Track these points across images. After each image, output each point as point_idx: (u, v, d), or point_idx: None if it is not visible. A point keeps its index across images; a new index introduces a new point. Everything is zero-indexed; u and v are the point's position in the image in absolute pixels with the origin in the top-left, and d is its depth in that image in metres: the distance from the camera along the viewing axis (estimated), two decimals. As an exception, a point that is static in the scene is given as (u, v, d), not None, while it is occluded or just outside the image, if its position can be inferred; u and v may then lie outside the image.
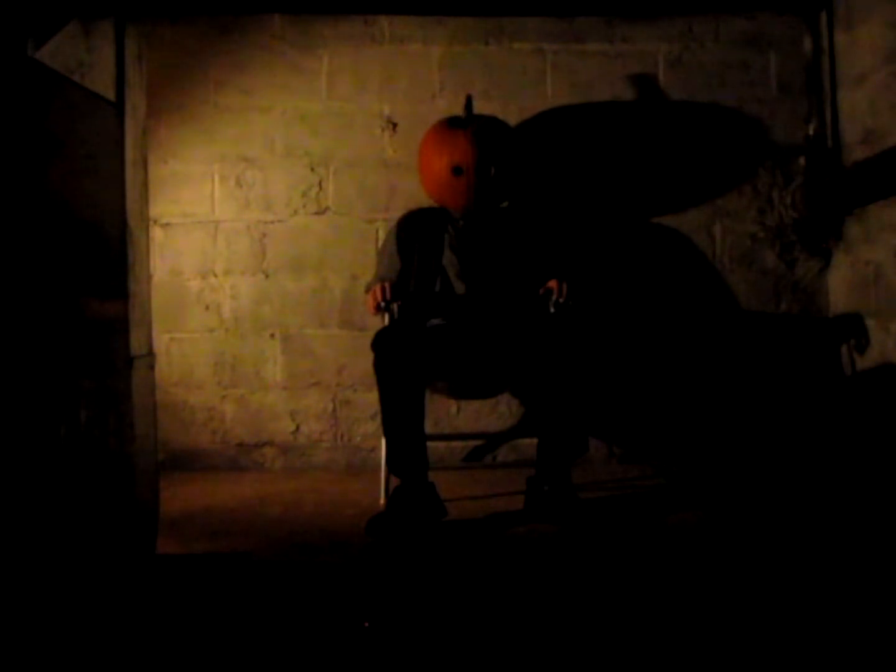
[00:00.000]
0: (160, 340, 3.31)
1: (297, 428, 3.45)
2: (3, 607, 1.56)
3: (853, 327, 3.22)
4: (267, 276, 3.45)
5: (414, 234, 2.93)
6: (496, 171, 2.84)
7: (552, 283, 2.72)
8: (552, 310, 2.71)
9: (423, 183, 2.99)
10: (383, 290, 2.71)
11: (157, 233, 3.40)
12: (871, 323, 3.15)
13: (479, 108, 3.28)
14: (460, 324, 2.83)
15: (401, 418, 2.53)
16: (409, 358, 2.51)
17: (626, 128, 3.45)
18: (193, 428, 3.44)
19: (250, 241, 3.46)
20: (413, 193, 3.22)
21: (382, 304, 2.71)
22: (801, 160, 3.42)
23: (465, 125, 2.87)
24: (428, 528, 2.46)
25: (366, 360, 2.70)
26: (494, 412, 3.45)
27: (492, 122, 3.00)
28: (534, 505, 2.57)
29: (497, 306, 2.84)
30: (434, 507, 2.51)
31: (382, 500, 2.76)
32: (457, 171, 2.79)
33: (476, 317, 2.83)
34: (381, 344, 2.55)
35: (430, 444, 3.15)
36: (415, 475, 2.54)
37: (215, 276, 3.45)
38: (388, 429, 2.57)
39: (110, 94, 2.09)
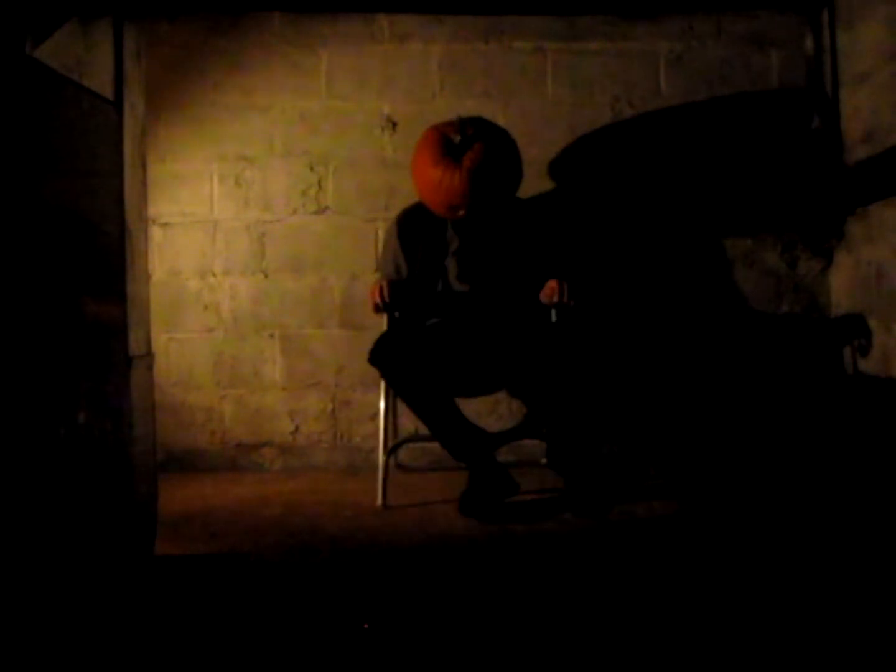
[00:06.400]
0: (159, 340, 3.29)
1: (297, 428, 3.44)
2: (3, 608, 1.55)
3: (855, 327, 3.20)
4: (266, 276, 3.44)
5: (416, 232, 2.92)
6: (492, 201, 2.80)
7: (552, 283, 2.73)
8: (553, 311, 2.75)
9: (418, 195, 2.89)
10: (381, 290, 2.75)
11: (155, 232, 3.39)
12: (873, 323, 3.13)
13: (480, 107, 3.27)
14: (458, 321, 2.83)
15: (441, 417, 2.69)
16: (420, 365, 2.62)
17: (627, 126, 3.44)
18: (192, 428, 3.43)
19: (249, 240, 3.44)
20: (413, 193, 3.20)
21: (381, 304, 2.75)
22: (803, 159, 3.41)
23: (459, 154, 2.76)
24: (502, 503, 2.65)
25: (365, 361, 2.70)
26: (494, 412, 3.44)
27: (489, 141, 2.77)
28: (569, 501, 2.67)
29: (496, 305, 2.84)
30: (507, 484, 2.70)
31: (380, 501, 2.76)
32: (453, 209, 2.79)
33: (475, 314, 2.83)
34: (385, 358, 2.64)
35: (428, 445, 3.15)
36: (481, 458, 2.72)
37: (214, 275, 3.44)
38: (435, 429, 2.73)
39: (109, 93, 2.08)
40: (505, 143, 2.83)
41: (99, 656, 1.60)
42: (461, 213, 2.78)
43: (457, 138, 2.74)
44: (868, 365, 3.18)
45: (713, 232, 3.45)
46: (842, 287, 3.36)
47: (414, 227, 2.93)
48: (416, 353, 2.61)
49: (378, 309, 2.79)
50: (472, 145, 2.73)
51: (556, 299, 2.72)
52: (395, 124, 3.44)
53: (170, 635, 1.70)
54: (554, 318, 2.79)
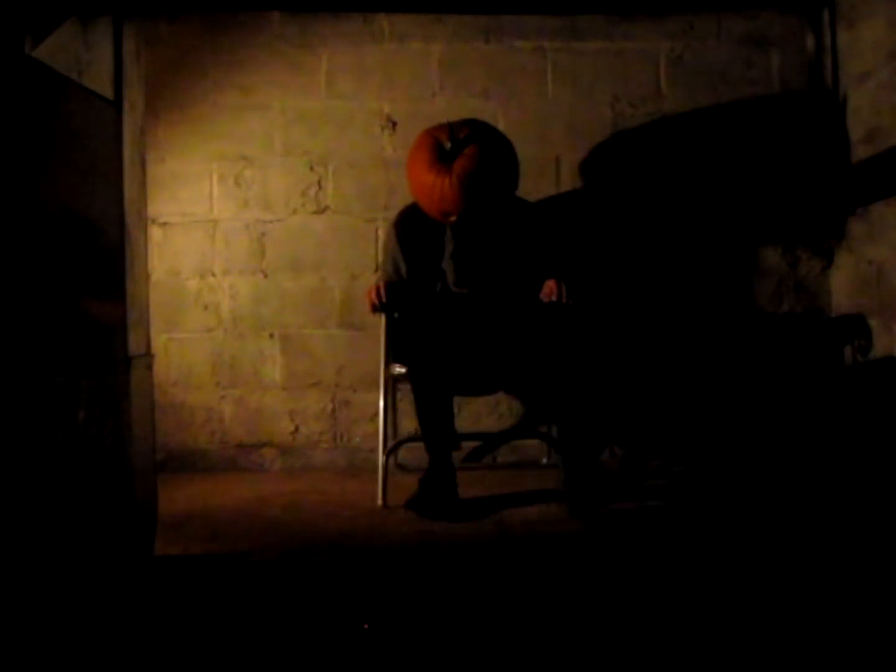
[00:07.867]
0: (158, 340, 3.29)
1: (297, 428, 3.43)
2: (3, 608, 1.55)
3: (856, 327, 3.20)
4: (266, 276, 3.44)
5: (414, 233, 2.92)
6: (485, 206, 2.79)
7: (551, 283, 2.73)
8: (552, 311, 2.75)
9: (414, 197, 2.90)
10: (378, 290, 2.76)
11: (155, 232, 3.39)
12: (874, 323, 3.13)
13: (480, 106, 3.27)
14: (458, 322, 2.83)
15: (436, 416, 2.70)
16: (440, 366, 2.65)
17: (627, 125, 3.44)
18: (192, 428, 3.43)
19: (249, 240, 3.44)
20: (413, 193, 3.22)
21: (378, 304, 2.76)
22: (804, 159, 3.41)
23: (451, 160, 2.75)
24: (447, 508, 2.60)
25: (365, 361, 2.71)
26: (494, 413, 3.44)
27: (482, 145, 2.75)
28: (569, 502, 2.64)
29: (495, 305, 2.84)
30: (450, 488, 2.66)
31: (380, 501, 2.75)
32: (445, 214, 2.79)
33: (474, 316, 2.83)
34: (418, 353, 2.67)
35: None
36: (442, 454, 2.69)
37: (214, 275, 3.44)
38: (426, 422, 2.72)
39: (108, 93, 2.07)
40: (499, 145, 2.81)
41: (99, 656, 1.60)
42: (452, 218, 2.78)
43: (447, 144, 2.73)
44: (868, 364, 3.18)
45: (713, 231, 3.44)
46: (842, 287, 3.36)
47: (412, 227, 2.93)
48: (441, 350, 2.66)
49: (375, 309, 2.81)
50: (463, 150, 2.72)
51: (554, 299, 2.71)
52: (395, 124, 3.44)
53: (170, 635, 1.70)
54: (552, 311, 2.76)
